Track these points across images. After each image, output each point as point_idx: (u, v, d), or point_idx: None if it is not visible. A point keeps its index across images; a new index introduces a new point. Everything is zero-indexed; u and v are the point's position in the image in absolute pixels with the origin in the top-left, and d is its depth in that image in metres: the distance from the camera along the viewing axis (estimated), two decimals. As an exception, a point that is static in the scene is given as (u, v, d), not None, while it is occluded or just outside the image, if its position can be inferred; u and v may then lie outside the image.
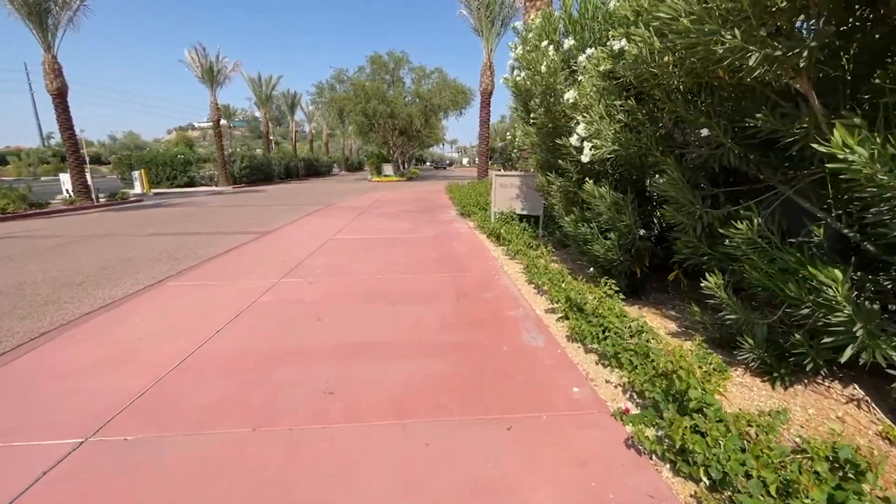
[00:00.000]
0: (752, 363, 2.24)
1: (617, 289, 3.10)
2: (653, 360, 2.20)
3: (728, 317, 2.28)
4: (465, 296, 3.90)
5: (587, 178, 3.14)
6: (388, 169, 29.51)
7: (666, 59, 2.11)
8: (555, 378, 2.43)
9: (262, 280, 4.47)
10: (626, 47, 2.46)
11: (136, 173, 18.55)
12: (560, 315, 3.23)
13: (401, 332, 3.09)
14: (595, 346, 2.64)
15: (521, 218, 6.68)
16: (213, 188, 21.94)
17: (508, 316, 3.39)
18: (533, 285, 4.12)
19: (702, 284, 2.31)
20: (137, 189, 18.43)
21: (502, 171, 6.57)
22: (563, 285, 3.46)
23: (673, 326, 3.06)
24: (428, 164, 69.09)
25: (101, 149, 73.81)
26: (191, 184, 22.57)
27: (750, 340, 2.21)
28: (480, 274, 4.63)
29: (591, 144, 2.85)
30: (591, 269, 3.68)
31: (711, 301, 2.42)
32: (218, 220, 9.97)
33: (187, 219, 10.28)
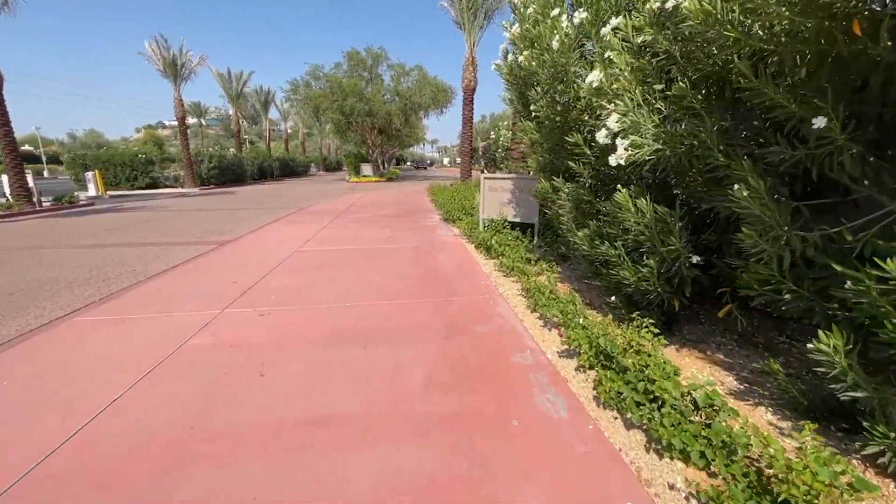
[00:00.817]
0: (890, 462, 1.53)
1: (656, 330, 2.38)
2: (742, 459, 1.47)
3: (846, 393, 1.57)
4: (456, 331, 3.12)
5: (617, 186, 2.39)
6: (366, 169, 28.50)
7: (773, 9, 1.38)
8: (594, 481, 1.67)
9: (201, 311, 3.58)
10: (685, 3, 1.73)
11: (89, 174, 17.04)
12: (581, 363, 2.48)
13: (372, 397, 2.28)
14: (640, 420, 1.90)
15: (514, 226, 5.95)
16: (179, 190, 20.52)
17: (513, 364, 2.62)
18: (537, 314, 3.38)
19: (809, 347, 1.59)
20: (91, 192, 16.95)
21: (492, 174, 5.80)
22: (580, 321, 2.72)
23: (728, 379, 2.35)
24: (408, 164, 68.01)
25: (59, 147, 69.90)
26: (154, 185, 21.06)
27: (882, 428, 1.51)
28: (472, 298, 3.86)
29: (626, 142, 2.10)
30: (613, 297, 2.95)
31: (788, 343, 1.71)
32: (173, 227, 8.90)
33: (139, 226, 9.16)
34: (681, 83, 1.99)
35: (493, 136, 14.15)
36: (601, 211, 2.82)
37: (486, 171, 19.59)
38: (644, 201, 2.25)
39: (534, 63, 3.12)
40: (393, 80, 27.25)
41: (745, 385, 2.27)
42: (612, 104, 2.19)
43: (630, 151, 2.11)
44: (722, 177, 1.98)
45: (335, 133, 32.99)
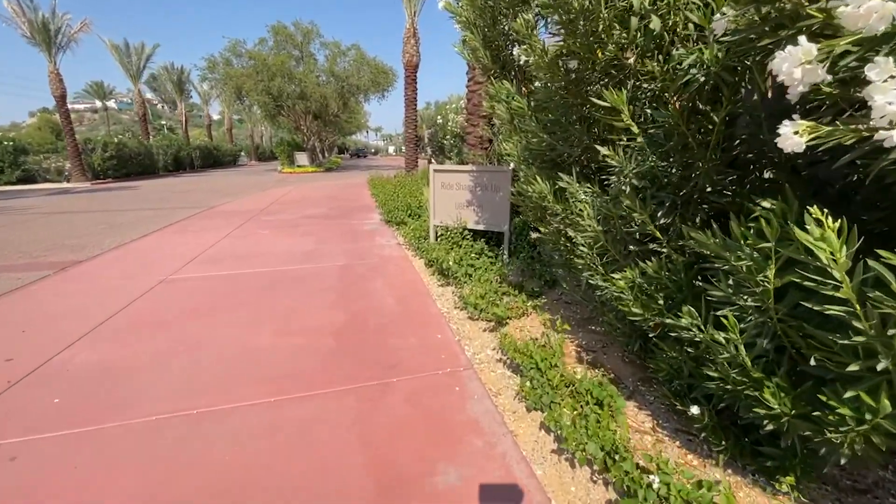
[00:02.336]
0: None
1: None
2: None
3: None
4: (405, 483, 1.58)
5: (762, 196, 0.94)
6: (302, 158, 25.78)
7: None
8: None
9: None
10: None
11: (-74, 167, 13.26)
12: None
13: None
14: None
15: (476, 234, 4.47)
16: (62, 185, 16.91)
17: None
18: (553, 436, 1.91)
19: None
20: (-69, 189, 13.21)
21: (443, 165, 4.22)
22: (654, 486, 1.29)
23: None
24: (347, 153, 64.40)
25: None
26: (29, 179, 17.20)
27: None
28: (425, 380, 2.32)
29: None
30: (695, 409, 1.55)
31: None
32: (10, 239, 6.45)
33: (-43, 240, 6.58)
34: None
35: (440, 121, 12.56)
36: (686, 248, 1.39)
37: (433, 161, 17.98)
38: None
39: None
40: (328, 59, 24.67)
41: None
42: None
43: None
44: None
45: (265, 118, 29.75)
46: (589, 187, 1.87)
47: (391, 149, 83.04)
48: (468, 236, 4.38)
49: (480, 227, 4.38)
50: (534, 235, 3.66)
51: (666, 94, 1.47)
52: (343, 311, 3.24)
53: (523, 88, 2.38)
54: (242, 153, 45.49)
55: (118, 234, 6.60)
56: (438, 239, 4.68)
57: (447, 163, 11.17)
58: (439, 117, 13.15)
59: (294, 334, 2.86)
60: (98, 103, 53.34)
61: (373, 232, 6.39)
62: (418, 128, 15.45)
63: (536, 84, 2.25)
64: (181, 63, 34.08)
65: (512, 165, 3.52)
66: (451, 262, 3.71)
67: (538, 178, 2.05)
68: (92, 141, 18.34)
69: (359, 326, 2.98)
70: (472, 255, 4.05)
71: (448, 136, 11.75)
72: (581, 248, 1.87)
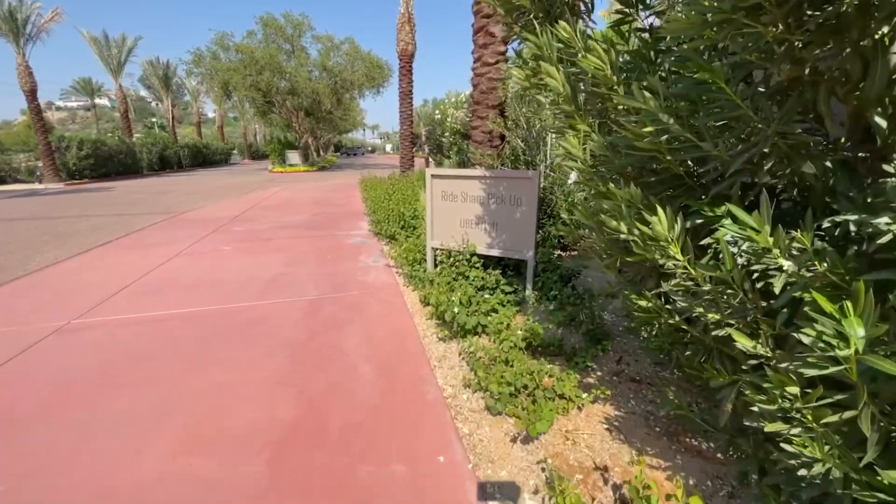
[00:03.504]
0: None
1: None
2: None
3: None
4: None
5: None
6: (294, 157, 24.58)
7: None
8: None
9: None
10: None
11: None
12: None
13: None
14: None
15: (486, 261, 3.37)
16: (33, 186, 15.75)
17: None
18: None
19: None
20: None
21: (443, 169, 3.09)
22: None
23: None
24: (340, 151, 62.91)
25: None
26: (-2, 180, 16.03)
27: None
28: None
29: None
30: None
31: None
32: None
33: None
34: None
35: (438, 116, 11.45)
36: None
37: (430, 161, 16.82)
38: None
39: None
40: (320, 53, 23.46)
41: None
42: None
43: None
44: None
45: (256, 115, 28.57)
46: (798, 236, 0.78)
47: (388, 147, 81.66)
48: (478, 264, 3.28)
49: (494, 253, 3.28)
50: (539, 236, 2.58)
51: None
52: (294, 397, 2.14)
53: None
54: (235, 152, 44.27)
55: (56, 249, 5.47)
56: (438, 266, 3.58)
57: (446, 164, 10.05)
58: (437, 112, 12.02)
59: (202, 454, 1.75)
60: (95, 100, 51.79)
61: (358, 248, 5.29)
62: (415, 125, 14.33)
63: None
64: (168, 57, 32.59)
65: (573, 177, 2.43)
66: (455, 310, 2.61)
67: (659, 209, 0.95)
68: (66, 139, 17.14)
69: (313, 432, 1.88)
70: (485, 294, 2.96)
71: (447, 134, 10.63)
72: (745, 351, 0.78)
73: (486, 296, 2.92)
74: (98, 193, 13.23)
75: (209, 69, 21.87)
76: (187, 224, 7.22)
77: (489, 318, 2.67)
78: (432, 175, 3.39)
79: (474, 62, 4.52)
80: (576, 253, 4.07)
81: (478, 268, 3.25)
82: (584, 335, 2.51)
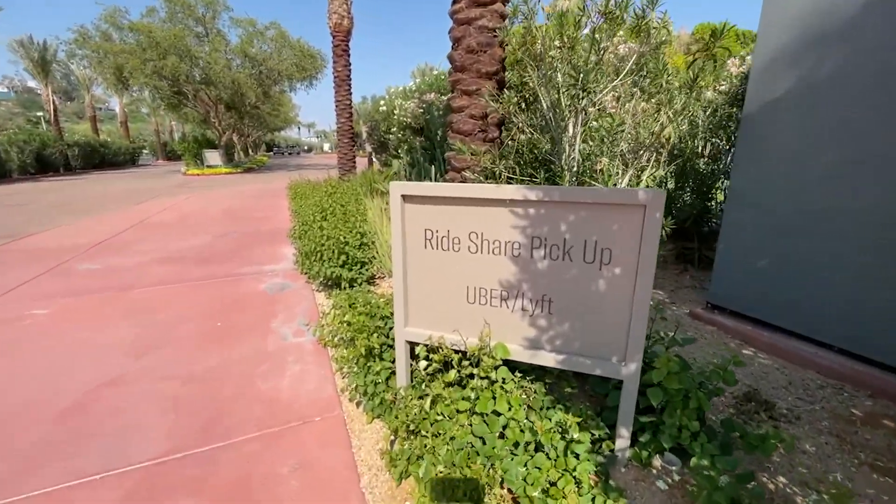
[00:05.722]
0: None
1: None
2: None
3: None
4: None
5: None
6: (213, 157, 21.27)
7: None
8: None
9: None
10: None
11: None
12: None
13: None
14: None
15: (534, 371, 1.67)
16: None
17: None
18: None
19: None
20: None
21: (425, 185, 1.22)
22: None
23: None
24: (274, 150, 58.00)
25: None
26: None
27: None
28: None
29: None
30: None
31: None
32: None
33: None
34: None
35: (384, 108, 9.58)
36: None
37: (374, 161, 14.75)
38: None
39: None
40: (241, 39, 20.39)
41: None
42: None
43: None
44: None
45: (166, 109, 24.57)
46: None
47: (326, 146, 77.02)
48: (507, 379, 1.56)
49: (544, 360, 1.57)
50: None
51: None
52: None
53: None
54: (146, 151, 38.88)
55: None
56: (419, 380, 1.81)
57: (395, 166, 8.20)
58: (382, 104, 10.12)
59: None
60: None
61: (272, 303, 3.35)
62: (355, 123, 12.27)
63: None
64: (45, 37, 26.83)
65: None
66: None
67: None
68: None
69: None
70: (528, 440, 1.26)
71: (394, 129, 8.79)
72: None
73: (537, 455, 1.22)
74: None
75: (98, 51, 18.07)
76: (13, 258, 4.76)
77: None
78: (404, 196, 1.61)
79: (452, 5, 2.79)
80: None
81: (506, 383, 1.53)
82: None
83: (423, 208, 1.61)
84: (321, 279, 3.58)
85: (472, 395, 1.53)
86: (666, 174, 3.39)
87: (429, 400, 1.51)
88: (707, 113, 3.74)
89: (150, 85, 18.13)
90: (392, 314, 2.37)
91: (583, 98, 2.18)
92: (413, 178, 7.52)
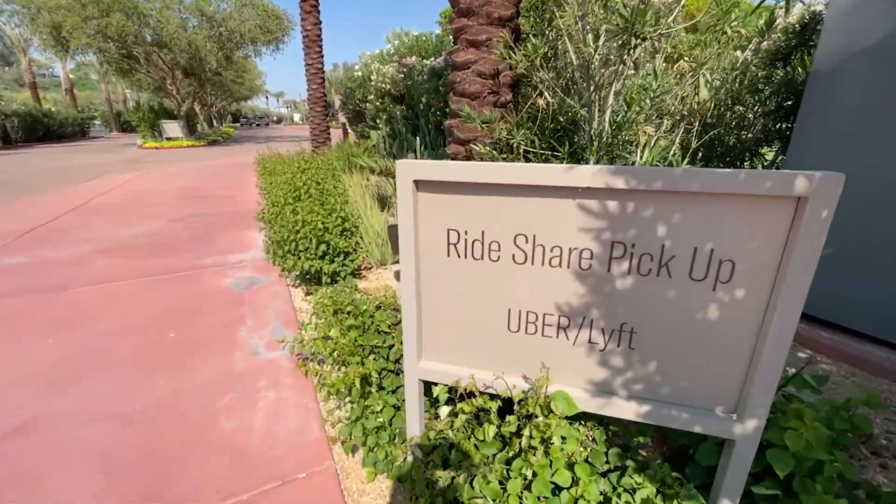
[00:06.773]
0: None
1: None
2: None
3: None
4: None
5: None
6: (173, 129, 19.64)
7: None
8: None
9: None
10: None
11: None
12: None
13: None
14: None
15: (592, 417, 1.24)
16: None
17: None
18: None
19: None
20: None
21: (447, 164, 0.68)
22: None
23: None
24: (241, 122, 54.64)
25: None
26: None
27: None
28: None
29: None
30: None
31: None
32: None
33: None
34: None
35: (359, 74, 8.75)
36: None
37: (349, 132, 13.75)
38: None
39: None
40: (197, -4, 18.44)
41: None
42: None
43: None
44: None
45: (116, 74, 22.38)
46: None
47: (297, 116, 73.21)
48: (567, 428, 1.13)
49: (622, 413, 1.13)
50: None
51: None
52: None
53: None
54: (98, 122, 35.90)
55: None
56: (435, 431, 1.35)
57: (374, 137, 7.48)
58: (357, 69, 9.26)
59: None
60: None
61: (239, 303, 2.80)
62: (327, 91, 11.28)
63: None
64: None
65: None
66: None
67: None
68: None
69: None
70: None
71: (371, 97, 8.02)
72: None
73: None
74: None
75: (29, 6, 15.99)
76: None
77: None
78: (417, 182, 1.09)
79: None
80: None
81: (571, 452, 1.10)
82: None
83: (445, 199, 1.11)
84: (297, 272, 3.03)
85: (523, 467, 1.09)
86: (697, 147, 2.97)
87: (462, 478, 1.06)
88: (734, 75, 3.29)
89: (94, 47, 16.27)
90: (391, 326, 1.89)
91: (635, 46, 1.68)
92: (395, 151, 6.87)
